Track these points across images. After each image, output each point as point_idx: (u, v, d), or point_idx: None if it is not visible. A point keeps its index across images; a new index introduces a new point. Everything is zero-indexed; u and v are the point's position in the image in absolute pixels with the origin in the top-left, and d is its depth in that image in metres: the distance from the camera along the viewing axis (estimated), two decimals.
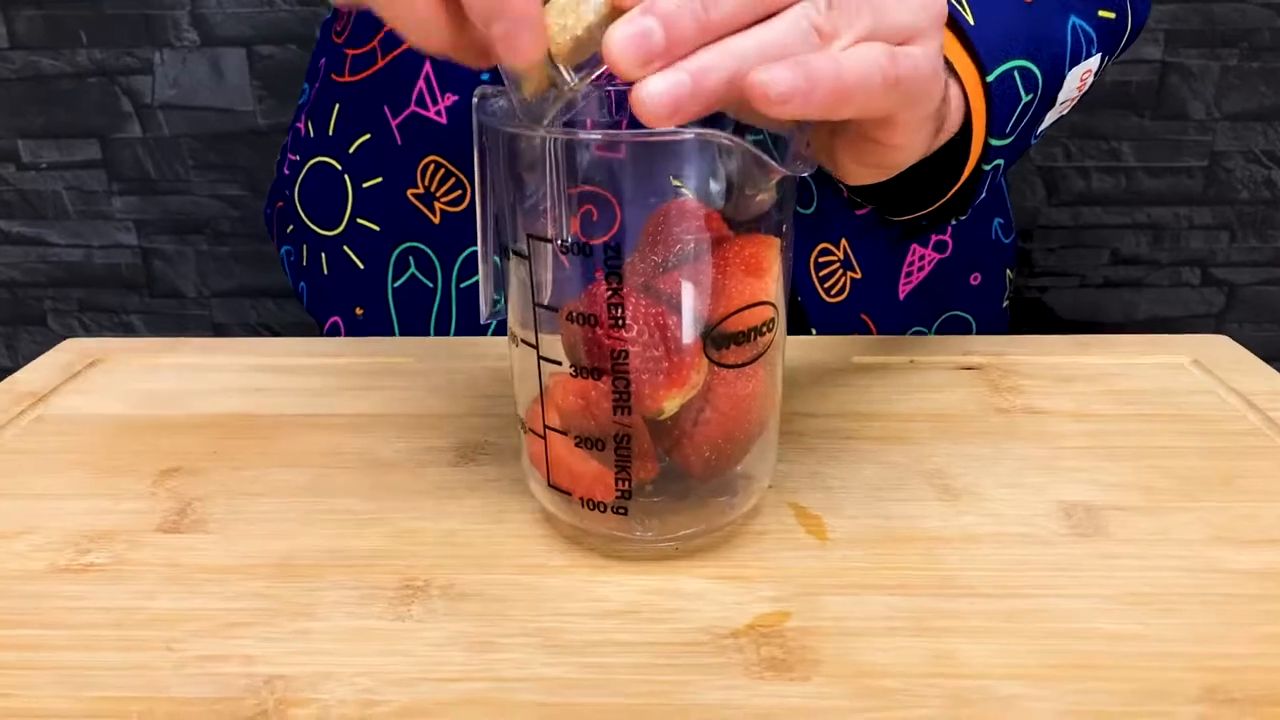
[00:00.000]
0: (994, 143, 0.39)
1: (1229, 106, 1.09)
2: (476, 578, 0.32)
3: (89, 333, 1.22)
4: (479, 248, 0.33)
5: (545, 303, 0.30)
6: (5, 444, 0.41)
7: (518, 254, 0.30)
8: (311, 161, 0.60)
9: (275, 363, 0.49)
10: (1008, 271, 0.62)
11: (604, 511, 0.31)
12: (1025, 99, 0.40)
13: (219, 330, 1.21)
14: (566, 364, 0.30)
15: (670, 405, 0.30)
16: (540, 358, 0.31)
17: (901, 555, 0.32)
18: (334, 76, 0.60)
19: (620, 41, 0.26)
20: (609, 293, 0.28)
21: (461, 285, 0.56)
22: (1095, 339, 0.49)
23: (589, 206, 0.29)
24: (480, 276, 0.34)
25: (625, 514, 0.31)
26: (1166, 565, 0.32)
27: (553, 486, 0.32)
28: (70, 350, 0.51)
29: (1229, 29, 1.06)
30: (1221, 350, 0.48)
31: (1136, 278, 1.17)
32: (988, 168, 0.40)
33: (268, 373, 0.47)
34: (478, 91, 0.31)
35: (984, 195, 0.42)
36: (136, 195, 1.16)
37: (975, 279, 0.59)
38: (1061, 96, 0.43)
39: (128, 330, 1.22)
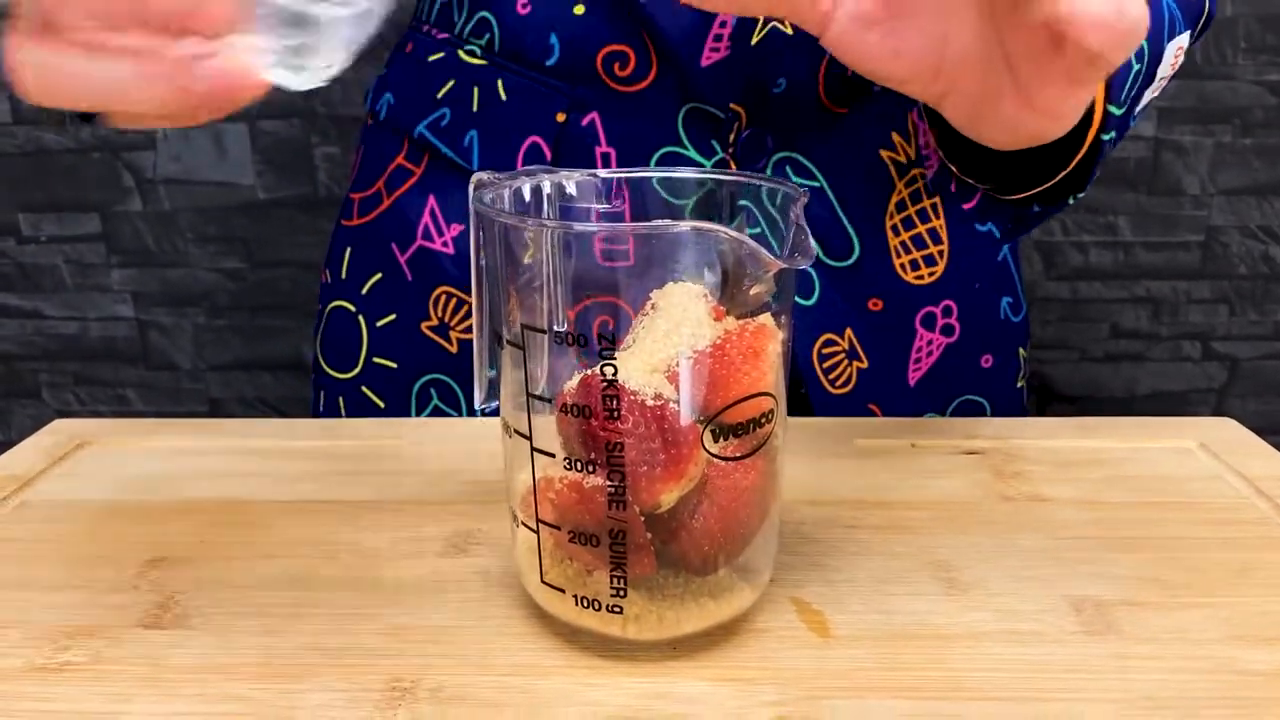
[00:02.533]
0: (1114, 110, 0.40)
1: (1224, 182, 1.10)
2: (466, 679, 0.30)
3: (84, 405, 1.21)
4: (474, 334, 0.33)
5: (539, 393, 0.29)
6: (25, 507, 0.40)
7: (512, 343, 0.30)
8: (329, 307, 0.61)
9: (266, 445, 0.48)
10: (1020, 351, 0.62)
11: (599, 610, 0.30)
12: (1136, 68, 0.40)
13: (214, 404, 1.20)
14: (561, 455, 0.29)
15: (668, 499, 0.29)
16: (533, 449, 0.30)
17: (908, 654, 0.31)
18: (344, 222, 0.61)
19: None
20: (604, 383, 0.28)
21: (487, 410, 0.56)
22: (1099, 422, 0.48)
23: (586, 298, 0.29)
24: (475, 363, 0.33)
25: (620, 612, 0.30)
26: (1184, 667, 0.31)
27: (545, 583, 0.31)
28: (58, 432, 0.50)
29: (1221, 107, 1.08)
30: (1228, 434, 0.47)
31: (1137, 352, 1.16)
32: (1106, 138, 0.40)
33: (257, 456, 0.47)
34: (474, 179, 0.31)
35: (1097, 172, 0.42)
36: (135, 268, 1.16)
37: (987, 361, 0.59)
38: (1161, 72, 0.43)
39: (122, 403, 1.21)
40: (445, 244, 0.56)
